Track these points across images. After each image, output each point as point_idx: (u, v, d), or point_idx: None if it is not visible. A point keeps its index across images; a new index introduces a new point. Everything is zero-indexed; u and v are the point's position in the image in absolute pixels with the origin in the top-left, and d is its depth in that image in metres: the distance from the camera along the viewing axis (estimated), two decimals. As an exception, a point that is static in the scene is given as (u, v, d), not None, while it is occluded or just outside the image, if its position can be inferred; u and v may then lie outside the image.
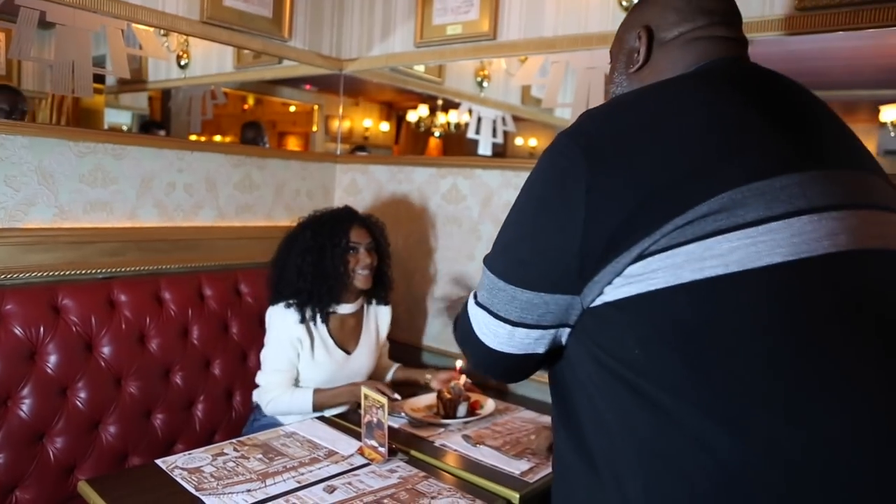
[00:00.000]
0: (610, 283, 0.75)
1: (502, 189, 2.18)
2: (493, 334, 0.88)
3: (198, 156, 2.18)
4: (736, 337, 0.70)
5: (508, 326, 0.86)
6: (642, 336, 0.74)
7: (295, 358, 1.88)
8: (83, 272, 1.85)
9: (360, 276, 1.90)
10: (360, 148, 3.58)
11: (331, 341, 1.93)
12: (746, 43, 0.94)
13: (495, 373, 0.98)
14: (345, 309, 1.96)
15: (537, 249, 0.82)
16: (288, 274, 1.89)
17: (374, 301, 2.06)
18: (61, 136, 1.85)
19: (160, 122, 2.35)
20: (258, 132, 3.09)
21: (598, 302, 0.77)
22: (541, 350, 0.87)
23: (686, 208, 0.71)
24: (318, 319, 1.90)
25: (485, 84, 2.84)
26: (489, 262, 0.90)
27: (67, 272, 1.82)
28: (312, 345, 1.89)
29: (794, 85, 0.89)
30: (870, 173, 0.82)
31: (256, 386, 1.91)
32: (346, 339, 1.97)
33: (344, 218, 1.93)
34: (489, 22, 2.19)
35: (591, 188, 0.75)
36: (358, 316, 2.02)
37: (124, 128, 2.25)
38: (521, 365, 0.91)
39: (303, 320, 1.87)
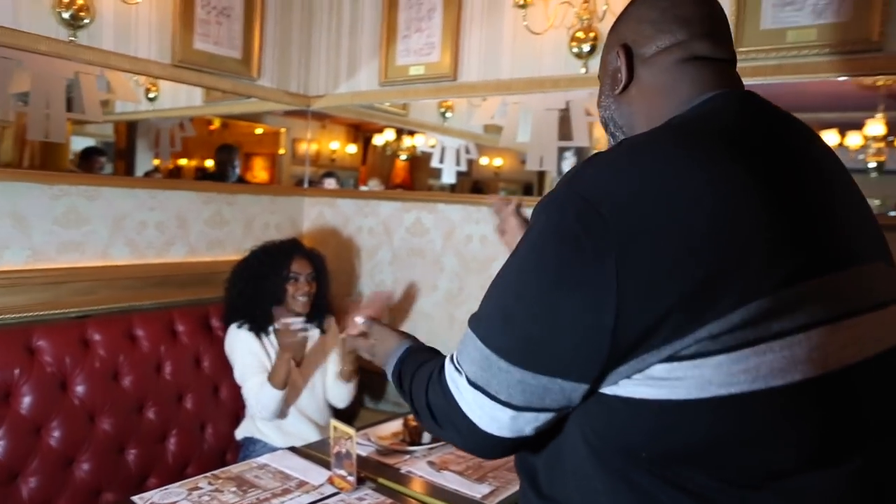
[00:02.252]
0: (629, 377, 0.70)
1: (464, 223, 2.29)
2: (491, 418, 0.78)
3: (169, 194, 2.25)
4: (751, 453, 0.70)
5: (511, 411, 0.76)
6: (654, 441, 0.71)
7: (261, 364, 2.04)
8: (57, 312, 1.90)
9: (300, 302, 2.11)
10: (328, 174, 3.66)
11: None
12: (735, 59, 0.89)
13: (488, 455, 0.87)
14: None
15: (557, 333, 0.72)
16: (234, 296, 2.10)
17: (314, 321, 2.20)
18: (36, 180, 1.91)
19: (101, 149, 2.39)
20: (231, 155, 3.15)
21: (609, 392, 0.72)
22: (541, 429, 0.79)
23: (720, 315, 0.66)
24: (269, 332, 2.10)
25: (448, 115, 2.96)
26: (482, 332, 0.78)
27: (41, 312, 1.87)
28: (268, 356, 2.06)
29: (806, 134, 0.85)
30: (877, 259, 0.80)
31: (239, 421, 2.01)
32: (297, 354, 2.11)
33: (288, 250, 2.14)
34: (450, 64, 2.31)
35: (622, 270, 0.68)
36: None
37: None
38: (517, 446, 0.82)
39: (255, 335, 2.07)
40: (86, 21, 1.95)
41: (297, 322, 1.99)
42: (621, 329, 0.68)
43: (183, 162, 3.14)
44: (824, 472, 0.71)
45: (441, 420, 0.86)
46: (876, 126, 1.69)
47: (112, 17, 2.04)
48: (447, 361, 0.86)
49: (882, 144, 1.68)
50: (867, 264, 0.78)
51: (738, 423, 0.69)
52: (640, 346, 0.68)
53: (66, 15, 1.90)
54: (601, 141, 2.18)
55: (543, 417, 0.76)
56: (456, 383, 0.82)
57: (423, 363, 0.98)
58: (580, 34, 1.98)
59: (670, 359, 0.67)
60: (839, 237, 0.76)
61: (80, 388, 1.80)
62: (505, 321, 0.77)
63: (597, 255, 0.69)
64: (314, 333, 2.19)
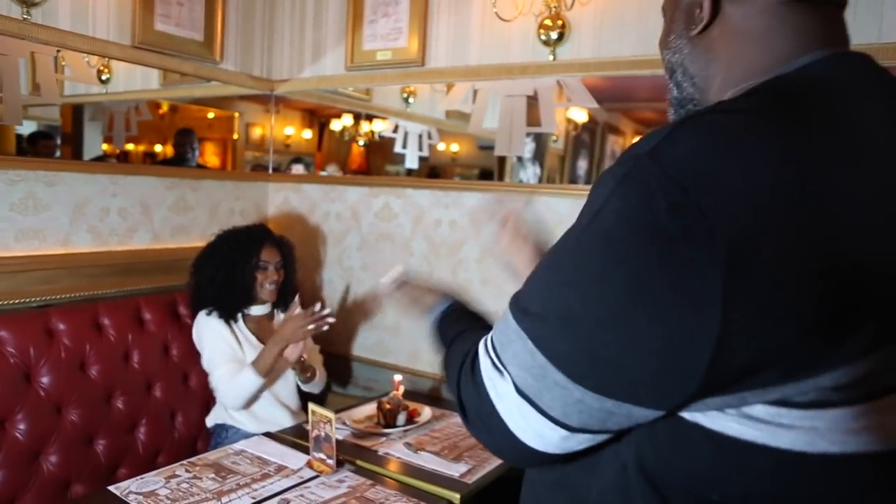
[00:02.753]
0: (720, 409, 0.58)
1: (433, 208, 2.31)
2: (537, 434, 0.65)
3: (132, 179, 2.20)
4: None
5: (563, 431, 0.63)
6: (734, 485, 0.59)
7: (233, 351, 2.02)
8: (17, 302, 1.84)
9: (267, 290, 2.11)
10: (296, 160, 3.62)
11: (253, 338, 2.09)
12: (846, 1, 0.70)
13: (522, 466, 0.77)
14: (257, 311, 2.15)
15: (638, 353, 0.57)
16: (202, 283, 2.06)
17: (280, 307, 2.23)
18: (-10, 164, 1.83)
19: (49, 133, 2.31)
20: (190, 138, 3.08)
21: (690, 418, 0.60)
22: (592, 445, 0.67)
23: (849, 359, 0.54)
24: (238, 319, 2.08)
25: (410, 100, 2.97)
26: (535, 331, 0.64)
27: (0, 302, 1.81)
28: (239, 343, 2.05)
29: None
30: None
31: (209, 409, 1.98)
32: (265, 335, 2.11)
33: (257, 237, 2.12)
34: (418, 49, 2.31)
35: (730, 289, 0.53)
36: (270, 316, 2.21)
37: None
38: (558, 460, 0.68)
39: (225, 322, 2.04)
40: (40, -1, 1.87)
41: (325, 308, 1.99)
42: (721, 360, 0.54)
43: (130, 147, 3.05)
44: None
45: (473, 421, 0.72)
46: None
47: (68, -4, 1.96)
48: (481, 351, 0.71)
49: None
50: None
51: (838, 483, 0.58)
52: (741, 381, 0.55)
53: (19, -8, 1.83)
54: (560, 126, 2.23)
55: (600, 438, 0.64)
56: (494, 384, 0.67)
57: (461, 332, 0.88)
58: (548, 22, 2.01)
59: (780, 403, 0.55)
60: None
61: (45, 380, 1.75)
62: (565, 323, 0.61)
63: (698, 265, 0.54)
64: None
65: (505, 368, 0.66)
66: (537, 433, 0.64)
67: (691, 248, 0.54)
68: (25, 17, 1.86)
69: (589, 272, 0.60)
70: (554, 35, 2.01)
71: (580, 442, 0.65)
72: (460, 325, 0.93)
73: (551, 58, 2.04)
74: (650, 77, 1.89)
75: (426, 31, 2.29)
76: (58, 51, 2.00)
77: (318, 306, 2.01)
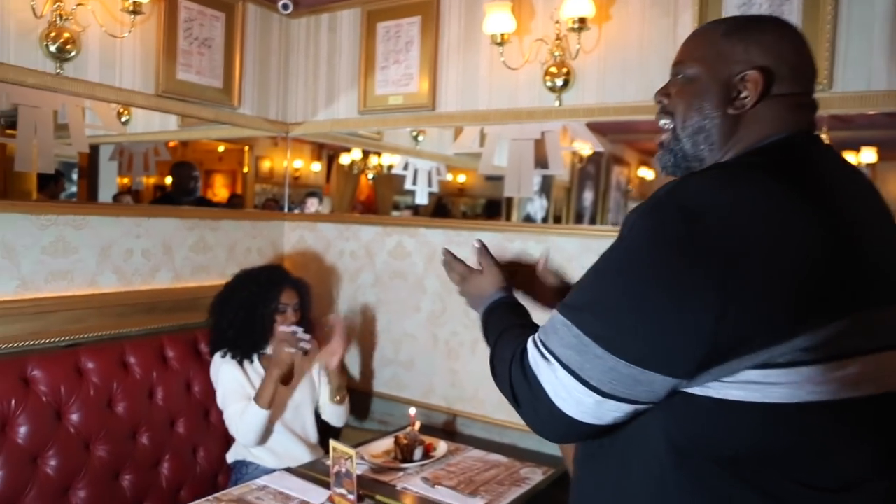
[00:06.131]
0: (719, 379, 0.77)
1: (445, 246, 2.38)
2: (576, 402, 0.82)
3: (154, 221, 2.28)
4: (831, 460, 0.79)
5: (597, 396, 0.80)
6: (743, 442, 0.78)
7: (245, 391, 2.06)
8: (47, 341, 1.92)
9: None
10: (311, 193, 3.71)
11: None
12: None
13: (560, 439, 0.95)
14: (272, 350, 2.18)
15: (658, 328, 0.77)
16: (222, 323, 2.11)
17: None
18: (23, 210, 1.92)
19: (61, 172, 2.41)
20: (188, 171, 3.16)
21: (700, 392, 0.78)
22: (619, 420, 0.83)
23: (812, 328, 0.75)
24: (254, 360, 2.13)
25: (420, 138, 3.08)
26: (579, 319, 0.83)
27: (32, 342, 1.88)
28: (252, 383, 2.09)
29: (860, 177, 0.93)
30: None
31: (229, 445, 2.04)
32: (283, 374, 2.13)
33: (277, 280, 2.17)
34: (428, 94, 2.41)
35: (728, 277, 0.74)
36: None
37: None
38: (590, 433, 0.85)
39: (239, 364, 2.09)
40: (72, 54, 1.98)
41: (300, 331, 2.03)
42: (722, 331, 0.74)
43: (142, 179, 3.15)
44: (890, 482, 0.81)
45: (521, 400, 0.88)
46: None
47: (98, 50, 2.07)
48: (530, 346, 0.89)
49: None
50: None
51: (823, 429, 0.78)
52: (737, 349, 0.75)
53: (52, 48, 1.93)
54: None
55: (626, 408, 0.81)
56: (539, 366, 0.85)
57: (508, 327, 1.03)
58: (553, 69, 2.11)
59: (765, 365, 0.75)
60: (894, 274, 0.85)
61: (74, 417, 1.82)
62: (606, 312, 0.81)
63: (702, 260, 0.75)
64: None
65: (551, 353, 0.84)
66: (577, 401, 0.81)
67: (699, 250, 0.76)
68: (59, 71, 1.96)
69: (623, 273, 0.82)
70: (559, 82, 2.11)
71: (610, 409, 0.81)
72: (509, 321, 1.07)
73: (557, 103, 2.14)
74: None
75: (436, 77, 2.40)
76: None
77: (290, 328, 2.05)
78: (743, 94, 0.89)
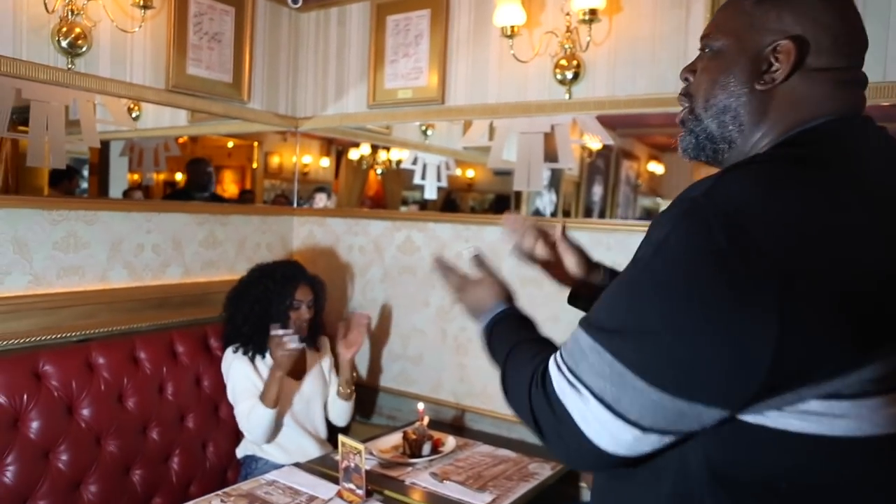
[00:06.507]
0: (779, 409, 0.68)
1: (454, 241, 2.38)
2: (611, 436, 0.72)
3: (164, 217, 2.29)
4: (886, 495, 0.71)
5: (637, 431, 0.71)
6: (793, 473, 0.70)
7: (256, 388, 2.06)
8: (58, 336, 1.93)
9: (299, 328, 2.13)
10: (320, 188, 3.72)
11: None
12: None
13: (589, 468, 0.86)
14: None
15: (706, 357, 0.67)
16: (237, 317, 2.11)
17: (308, 344, 2.24)
18: (36, 206, 1.93)
19: (76, 169, 2.42)
20: (204, 167, 3.17)
21: (752, 420, 0.70)
22: (657, 449, 0.74)
23: (884, 355, 0.67)
24: (266, 356, 2.12)
25: (429, 132, 3.06)
26: (614, 346, 0.72)
27: (43, 337, 1.89)
28: (263, 381, 2.08)
29: None
30: None
31: (239, 440, 2.05)
32: (293, 369, 2.13)
33: (292, 276, 2.17)
34: (438, 88, 2.40)
35: (785, 300, 0.64)
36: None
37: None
38: (623, 463, 0.75)
39: (251, 359, 2.09)
40: (83, 49, 1.99)
41: (289, 336, 2.00)
42: (780, 361, 0.65)
43: (153, 175, 3.16)
44: None
45: (546, 430, 0.79)
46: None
47: (109, 45, 2.08)
48: (553, 370, 0.79)
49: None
50: None
51: (884, 463, 0.70)
52: (797, 380, 0.66)
53: (64, 43, 1.94)
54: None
55: (668, 439, 0.72)
56: (566, 395, 0.75)
57: (519, 343, 0.94)
58: (563, 62, 2.09)
59: (830, 396, 0.66)
60: None
61: (86, 412, 1.83)
62: (644, 338, 0.70)
63: (755, 281, 0.65)
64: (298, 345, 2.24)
65: (580, 381, 0.74)
66: (612, 434, 0.72)
67: (748, 268, 0.65)
68: (70, 66, 1.97)
69: (662, 292, 0.70)
70: (569, 75, 2.09)
71: (651, 443, 0.72)
72: (520, 335, 0.99)
73: (567, 96, 2.12)
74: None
75: (445, 71, 2.39)
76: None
77: (276, 331, 2.01)
78: (774, 68, 0.78)
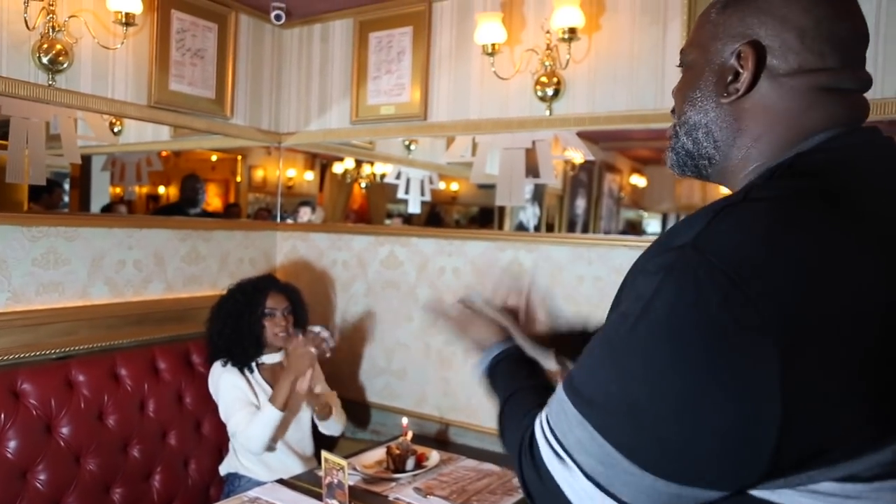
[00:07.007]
0: (792, 488, 0.61)
1: (437, 256, 2.39)
2: None
3: (146, 232, 2.28)
4: None
5: None
6: None
7: (248, 398, 2.06)
8: (38, 354, 1.91)
9: (279, 338, 2.13)
10: (304, 202, 3.72)
11: (268, 387, 2.12)
12: (869, 85, 0.73)
13: None
14: (270, 359, 2.18)
15: (704, 440, 0.60)
16: (213, 335, 2.12)
17: None
18: (14, 222, 1.92)
19: (58, 183, 2.41)
20: (198, 183, 3.17)
21: (760, 496, 0.62)
22: None
23: None
24: (253, 369, 2.12)
25: (412, 147, 3.09)
26: (599, 421, 0.65)
27: (22, 354, 1.87)
28: (255, 392, 2.08)
29: None
30: None
31: (222, 457, 2.03)
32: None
33: (262, 286, 2.18)
34: (420, 104, 2.42)
35: (789, 376, 0.56)
36: (284, 364, 2.20)
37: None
38: None
39: (240, 372, 2.09)
40: (64, 65, 1.99)
41: (327, 333, 2.05)
42: (786, 445, 0.57)
43: (135, 189, 3.15)
44: None
45: (537, 499, 0.74)
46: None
47: (90, 61, 2.08)
48: (538, 434, 0.73)
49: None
50: None
51: None
52: (808, 462, 0.59)
53: (45, 60, 1.94)
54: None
55: None
56: (553, 466, 0.69)
57: (515, 392, 0.92)
58: (544, 79, 2.12)
59: (846, 479, 0.59)
60: None
61: (65, 430, 1.81)
62: (632, 415, 0.63)
63: (754, 357, 0.57)
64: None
65: (569, 455, 0.68)
66: None
67: (746, 340, 0.57)
68: (51, 83, 1.97)
69: (650, 365, 0.62)
70: (550, 91, 2.12)
71: None
72: (516, 381, 0.96)
73: (548, 113, 2.15)
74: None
75: (428, 87, 2.41)
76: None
77: (316, 328, 2.08)
78: (742, 78, 0.71)
